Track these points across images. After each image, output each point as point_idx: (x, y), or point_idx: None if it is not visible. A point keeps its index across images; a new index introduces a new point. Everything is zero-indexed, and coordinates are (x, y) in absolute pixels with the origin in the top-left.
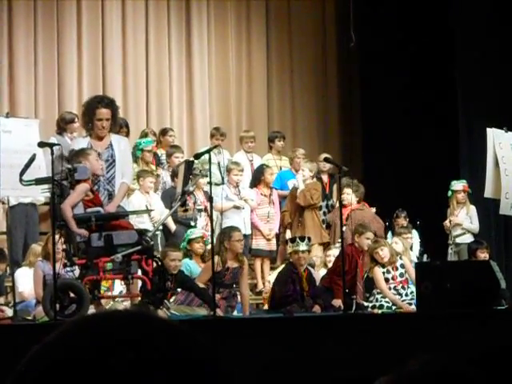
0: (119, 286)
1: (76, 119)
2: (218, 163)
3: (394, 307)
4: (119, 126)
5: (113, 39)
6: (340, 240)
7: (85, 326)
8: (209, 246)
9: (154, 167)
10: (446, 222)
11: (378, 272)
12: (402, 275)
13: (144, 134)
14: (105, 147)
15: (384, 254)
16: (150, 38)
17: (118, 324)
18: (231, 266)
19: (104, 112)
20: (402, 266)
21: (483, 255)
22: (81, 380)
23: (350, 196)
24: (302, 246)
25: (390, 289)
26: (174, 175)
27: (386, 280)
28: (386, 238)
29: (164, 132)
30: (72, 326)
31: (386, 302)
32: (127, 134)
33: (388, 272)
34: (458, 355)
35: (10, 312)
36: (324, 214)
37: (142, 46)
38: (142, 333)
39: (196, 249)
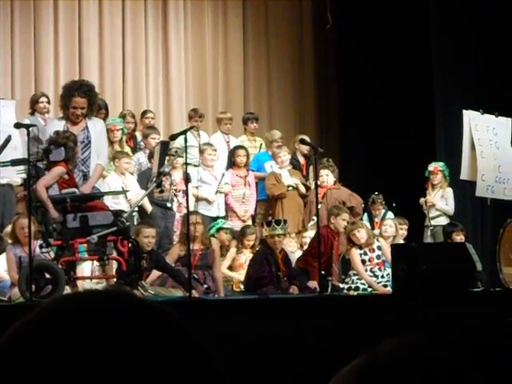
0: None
1: (41, 98)
2: (199, 144)
3: (369, 289)
4: (98, 108)
5: (90, 20)
6: (315, 218)
7: (62, 305)
8: None
9: (127, 148)
10: (421, 200)
11: (355, 253)
12: (378, 257)
13: (122, 116)
14: (80, 129)
15: (361, 235)
16: (127, 19)
17: (95, 302)
18: (193, 249)
19: (80, 101)
20: (379, 247)
21: (459, 237)
22: (57, 358)
23: (328, 177)
24: (278, 230)
25: (366, 270)
26: (150, 156)
27: (363, 262)
28: (363, 215)
29: (143, 114)
30: (50, 304)
31: (362, 283)
32: (106, 116)
33: (365, 254)
34: (434, 337)
35: None
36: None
37: (118, 27)
38: (119, 310)
39: (223, 239)
